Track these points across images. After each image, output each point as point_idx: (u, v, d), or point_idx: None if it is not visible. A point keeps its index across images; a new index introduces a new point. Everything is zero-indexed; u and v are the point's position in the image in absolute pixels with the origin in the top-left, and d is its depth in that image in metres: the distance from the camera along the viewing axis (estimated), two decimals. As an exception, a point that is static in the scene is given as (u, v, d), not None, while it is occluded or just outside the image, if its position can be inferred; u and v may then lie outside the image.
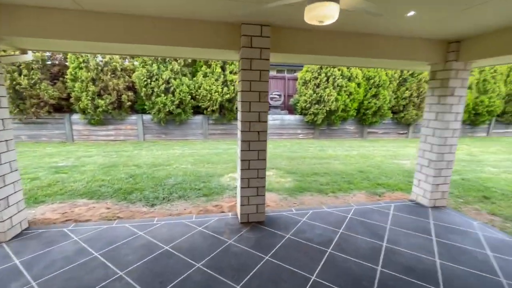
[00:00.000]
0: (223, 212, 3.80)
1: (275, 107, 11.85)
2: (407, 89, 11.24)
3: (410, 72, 11.19)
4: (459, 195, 4.68)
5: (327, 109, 10.49)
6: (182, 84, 9.54)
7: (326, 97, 10.40)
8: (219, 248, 2.74)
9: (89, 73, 8.82)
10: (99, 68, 8.95)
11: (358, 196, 4.57)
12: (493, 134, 13.30)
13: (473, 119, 12.25)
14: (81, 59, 8.76)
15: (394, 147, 9.78)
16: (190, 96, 9.81)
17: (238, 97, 3.17)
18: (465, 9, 2.38)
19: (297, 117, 11.34)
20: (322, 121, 10.86)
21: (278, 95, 11.96)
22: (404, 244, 2.89)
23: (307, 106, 10.82)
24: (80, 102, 8.98)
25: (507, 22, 2.74)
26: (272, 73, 13.75)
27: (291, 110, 12.10)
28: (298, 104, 11.23)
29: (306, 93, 10.79)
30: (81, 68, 8.82)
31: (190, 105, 9.90)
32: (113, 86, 9.15)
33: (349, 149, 9.13)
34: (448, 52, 3.61)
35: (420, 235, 3.10)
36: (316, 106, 10.62)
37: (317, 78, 10.61)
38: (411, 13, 2.49)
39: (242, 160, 3.17)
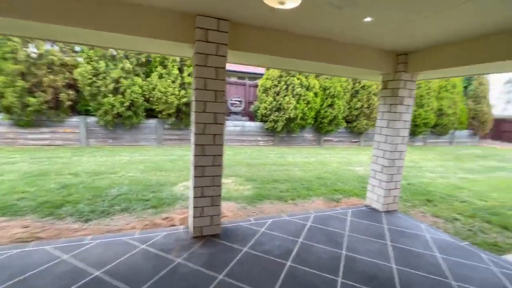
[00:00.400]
0: (173, 225, 3.37)
1: (236, 113, 11.65)
2: (359, 100, 12.08)
3: (361, 85, 12.07)
4: (407, 199, 4.97)
5: (287, 116, 10.65)
6: (134, 85, 8.75)
7: (285, 104, 10.56)
8: (164, 269, 2.34)
9: (18, 66, 7.53)
10: (31, 61, 7.70)
11: (317, 203, 4.53)
12: (428, 143, 15.04)
13: (413, 130, 13.68)
14: (6, 48, 7.43)
15: (349, 154, 10.31)
16: (143, 98, 9.04)
17: (192, 96, 2.85)
18: (408, 21, 2.48)
19: (257, 124, 11.29)
20: (282, 129, 10.98)
21: (238, 101, 11.80)
22: (362, 251, 2.85)
23: (267, 113, 10.85)
24: (3, 99, 7.57)
25: (447, 38, 2.96)
26: (233, 79, 13.60)
27: (252, 116, 12.03)
28: (259, 111, 11.21)
29: (267, 100, 10.83)
30: (5, 59, 7.47)
31: (142, 107, 9.12)
32: (49, 83, 7.95)
33: (307, 156, 9.32)
34: (398, 63, 3.82)
35: (377, 241, 3.11)
36: (276, 113, 10.71)
37: (277, 86, 10.74)
38: (368, 19, 2.51)
39: (195, 167, 2.83)
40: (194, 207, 2.91)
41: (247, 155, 8.84)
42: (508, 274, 2.60)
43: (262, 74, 12.72)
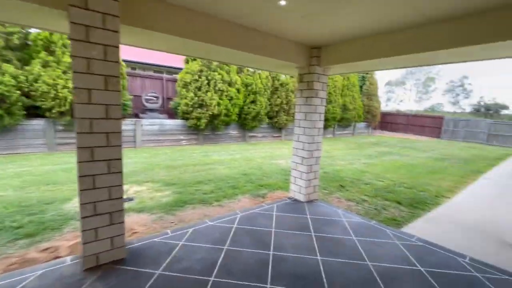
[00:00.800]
0: (58, 257, 2.53)
1: (152, 110, 10.44)
2: (278, 97, 12.69)
3: (280, 82, 12.70)
4: (324, 187, 5.33)
5: (210, 113, 10.20)
6: (4, 74, 6.63)
7: (208, 100, 10.08)
8: (30, 330, 1.62)
9: None
10: None
11: (243, 201, 4.32)
12: (336, 135, 17.24)
13: (324, 124, 15.39)
14: None
15: (272, 148, 10.66)
16: (19, 92, 6.96)
17: (72, 81, 2.11)
18: (315, 14, 2.48)
19: (178, 121, 10.42)
20: (206, 126, 10.47)
21: (155, 96, 10.61)
22: (289, 248, 2.75)
23: (189, 110, 10.13)
24: None
25: (354, 33, 3.16)
26: (149, 73, 12.17)
27: (172, 114, 11.04)
28: (179, 108, 10.36)
29: (187, 96, 10.09)
30: None
31: (20, 104, 7.03)
32: None
33: (233, 153, 9.13)
34: (311, 57, 3.94)
35: (302, 233, 3.09)
36: (199, 110, 10.11)
37: (198, 81, 10.13)
38: (283, 2, 2.36)
39: (81, 177, 2.13)
40: (84, 230, 2.20)
41: (166, 156, 7.98)
42: (407, 245, 2.95)
43: (181, 69, 11.84)
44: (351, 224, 3.43)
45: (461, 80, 41.71)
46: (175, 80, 11.41)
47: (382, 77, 69.28)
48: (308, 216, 3.62)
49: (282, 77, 12.80)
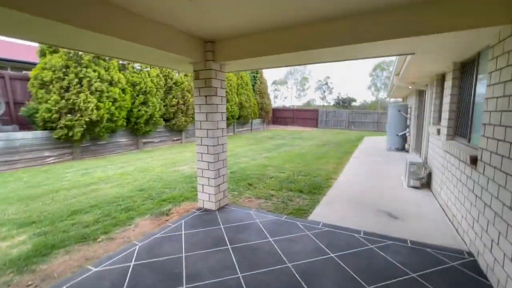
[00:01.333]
0: None
1: (-11, 121, 7.42)
2: (174, 97, 11.70)
3: (174, 81, 11.73)
4: (233, 188, 5.16)
5: (87, 119, 8.19)
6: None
7: (81, 104, 8.04)
8: None
9: None
10: None
11: (142, 226, 3.54)
12: (237, 132, 17.77)
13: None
14: None
15: (172, 154, 9.73)
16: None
17: None
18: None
19: (38, 133, 7.85)
20: (83, 136, 8.36)
21: (-8, 102, 7.58)
22: (206, 272, 2.35)
23: (53, 117, 7.78)
24: None
25: (248, 28, 3.01)
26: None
27: (27, 123, 8.22)
28: (38, 115, 7.80)
29: (49, 99, 7.72)
30: None
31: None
32: None
33: (124, 165, 7.69)
34: (206, 51, 3.58)
35: (218, 250, 2.74)
36: (69, 116, 7.93)
37: (63, 79, 7.90)
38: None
39: None
40: None
41: (21, 183, 5.80)
42: (316, 233, 3.12)
43: (34, 64, 9.02)
44: (265, 225, 3.36)
45: (326, 80, 51.97)
46: (26, 79, 8.54)
47: (268, 76, 77.42)
48: (222, 227, 3.30)
49: (176, 76, 11.87)
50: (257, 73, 20.97)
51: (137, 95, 10.12)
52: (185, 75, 12.36)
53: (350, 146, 11.64)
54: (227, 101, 15.38)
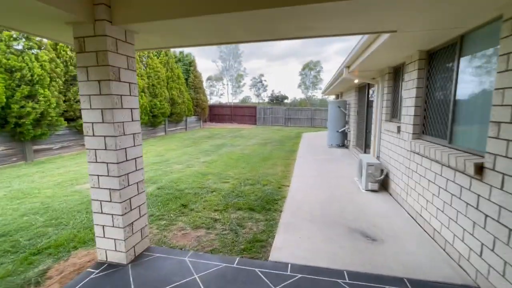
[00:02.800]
0: None
1: None
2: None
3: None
4: (160, 214, 3.72)
5: None
6: None
7: None
8: None
9: None
10: None
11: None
12: (169, 132, 15.62)
13: (152, 121, 13.25)
14: None
15: (78, 165, 7.37)
16: None
17: None
18: None
19: None
20: None
21: None
22: None
23: None
24: None
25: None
26: None
27: None
28: None
29: None
30: None
31: None
32: None
33: (-10, 187, 5.19)
34: (96, 4, 2.10)
35: None
36: None
37: None
38: None
39: None
40: None
41: None
42: (287, 286, 2.08)
43: None
44: (209, 282, 2.14)
45: (260, 77, 52.91)
46: None
47: (203, 71, 74.48)
48: (134, 304, 1.93)
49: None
50: (190, 66, 19.04)
51: (18, 86, 7.28)
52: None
53: (292, 144, 11.28)
54: (155, 95, 13.18)
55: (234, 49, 49.05)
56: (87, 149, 2.36)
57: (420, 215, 3.28)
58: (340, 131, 9.34)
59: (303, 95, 52.04)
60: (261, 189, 4.84)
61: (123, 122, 2.35)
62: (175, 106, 15.22)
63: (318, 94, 51.48)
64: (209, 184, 5.17)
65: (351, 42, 70.38)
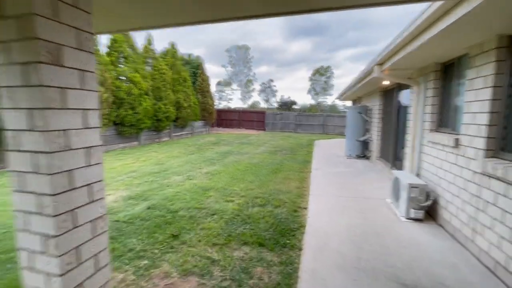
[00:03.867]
0: None
1: None
2: None
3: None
4: (141, 250, 2.84)
5: None
6: None
7: None
8: None
9: None
10: None
11: None
12: (174, 137, 14.92)
13: (157, 125, 12.57)
14: None
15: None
16: None
17: None
18: None
19: None
20: None
21: None
22: None
23: None
24: None
25: None
26: None
27: None
28: None
29: None
30: None
31: None
32: None
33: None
34: None
35: None
36: None
37: None
38: None
39: None
40: None
41: None
42: None
43: None
44: None
45: (269, 83, 52.32)
46: None
47: (212, 76, 74.77)
48: None
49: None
50: (197, 69, 18.45)
51: None
52: (97, 61, 9.16)
53: (305, 153, 10.31)
54: (160, 98, 12.52)
55: (244, 54, 48.76)
56: (10, 171, 1.52)
57: (505, 268, 2.28)
58: (360, 140, 8.33)
59: (313, 100, 51.04)
60: (273, 213, 3.91)
61: (66, 130, 1.50)
62: (181, 110, 14.53)
63: (328, 100, 50.43)
64: (209, 204, 4.29)
65: (364, 49, 69.07)
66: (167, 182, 5.62)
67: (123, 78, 10.39)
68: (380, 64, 4.44)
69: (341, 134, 20.86)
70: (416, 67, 4.23)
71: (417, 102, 4.35)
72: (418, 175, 4.30)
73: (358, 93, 9.38)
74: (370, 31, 71.97)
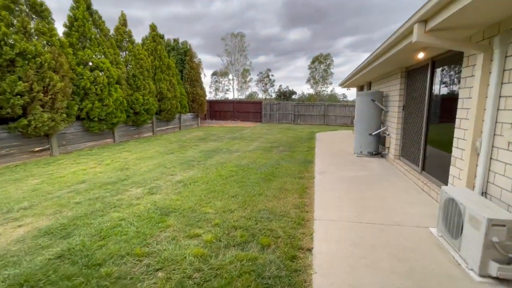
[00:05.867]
0: None
1: None
2: (20, 78, 6.75)
3: (19, 50, 6.74)
4: None
5: None
6: None
7: None
8: None
9: None
10: None
11: None
12: (158, 132, 13.31)
13: (135, 119, 10.95)
14: None
15: (9, 183, 5.08)
16: None
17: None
18: None
19: None
20: None
21: None
22: None
23: None
24: None
25: None
26: None
27: None
28: None
29: None
30: None
31: None
32: None
33: None
34: None
35: None
36: None
37: None
38: None
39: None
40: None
41: None
42: None
43: None
44: None
45: (266, 72, 50.27)
46: None
47: (208, 66, 72.52)
48: None
49: (24, 41, 6.88)
50: (185, 55, 16.64)
51: None
52: (48, 43, 7.45)
53: (306, 149, 8.76)
54: (137, 88, 10.84)
55: (239, 43, 46.41)
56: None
57: None
58: (373, 134, 6.77)
59: (312, 90, 49.16)
60: (257, 265, 2.40)
61: None
62: (164, 101, 12.86)
63: (328, 89, 48.61)
64: (160, 244, 2.76)
65: (363, 36, 66.34)
66: (118, 200, 4.08)
67: (89, 64, 8.69)
68: (424, 21, 2.83)
69: (344, 125, 19.27)
70: (487, 22, 2.63)
71: (483, 80, 2.77)
72: (484, 193, 2.77)
73: (369, 75, 7.74)
74: (370, 17, 69.19)
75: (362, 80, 9.40)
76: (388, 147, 6.41)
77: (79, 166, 6.42)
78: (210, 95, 49.21)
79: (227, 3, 61.37)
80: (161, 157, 7.44)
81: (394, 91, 6.15)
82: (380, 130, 6.76)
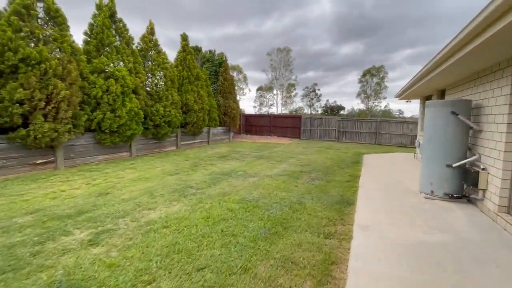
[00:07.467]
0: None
1: None
2: (22, 85, 6.28)
3: (22, 55, 6.32)
4: None
5: None
6: None
7: None
8: None
9: None
10: None
11: None
12: (183, 146, 12.41)
13: (154, 131, 10.14)
14: None
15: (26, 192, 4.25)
16: None
17: None
18: None
19: None
20: None
21: None
22: None
23: None
24: None
25: None
26: None
27: None
28: None
29: None
30: None
31: None
32: None
33: None
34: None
35: None
36: None
37: None
38: None
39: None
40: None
41: None
42: None
43: None
44: None
45: (313, 87, 48.04)
46: None
47: (253, 82, 73.33)
48: None
49: (31, 46, 6.46)
50: (220, 67, 15.87)
51: None
52: (60, 49, 6.98)
53: (346, 179, 6.54)
54: (159, 99, 10.05)
55: (285, 57, 45.50)
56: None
57: None
58: (455, 165, 4.33)
59: (363, 105, 45.04)
60: None
61: None
62: (190, 113, 11.95)
63: (381, 104, 43.95)
64: None
65: (424, 48, 59.44)
66: (31, 255, 2.68)
67: (105, 72, 8.13)
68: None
69: (400, 146, 15.97)
70: None
71: None
72: None
73: (442, 78, 5.34)
74: (431, 29, 61.97)
75: (431, 87, 6.88)
76: (484, 190, 3.90)
77: (63, 186, 5.45)
78: (254, 110, 48.88)
79: (278, 22, 61.63)
80: (159, 179, 6.12)
81: (497, 99, 3.74)
82: (468, 160, 4.29)
